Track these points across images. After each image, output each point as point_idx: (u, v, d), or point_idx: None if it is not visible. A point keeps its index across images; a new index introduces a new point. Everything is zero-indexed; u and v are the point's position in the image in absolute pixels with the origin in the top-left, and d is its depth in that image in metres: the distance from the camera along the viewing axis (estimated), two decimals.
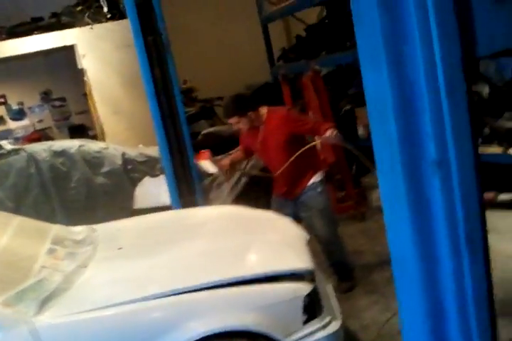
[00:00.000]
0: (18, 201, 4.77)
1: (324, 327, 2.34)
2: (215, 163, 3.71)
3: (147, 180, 5.13)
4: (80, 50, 6.20)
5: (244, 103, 3.51)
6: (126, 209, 5.06)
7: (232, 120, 3.47)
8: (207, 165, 3.71)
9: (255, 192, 5.08)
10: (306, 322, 2.31)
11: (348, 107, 5.87)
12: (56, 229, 3.05)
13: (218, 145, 7.24)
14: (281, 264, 2.40)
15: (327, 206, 3.63)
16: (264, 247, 2.60)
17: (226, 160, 3.77)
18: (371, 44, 1.36)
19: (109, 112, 6.62)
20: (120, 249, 2.69)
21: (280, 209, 3.61)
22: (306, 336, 2.28)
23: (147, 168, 5.19)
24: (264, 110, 3.52)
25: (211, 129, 7.58)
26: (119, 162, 5.18)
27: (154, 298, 2.17)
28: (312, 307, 2.35)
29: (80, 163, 5.07)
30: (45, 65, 7.70)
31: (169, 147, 4.36)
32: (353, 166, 5.34)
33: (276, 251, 2.55)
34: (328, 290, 2.73)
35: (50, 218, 4.79)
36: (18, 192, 4.80)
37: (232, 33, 7.82)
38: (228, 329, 2.16)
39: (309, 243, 2.79)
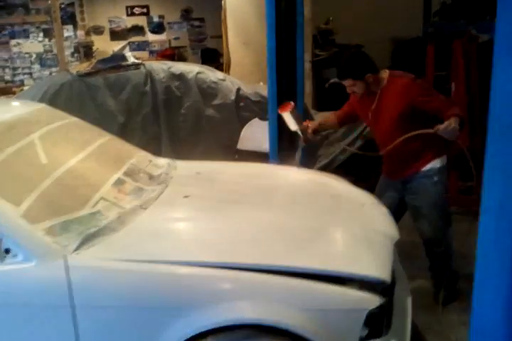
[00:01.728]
0: (128, 116, 4.76)
1: None
2: (298, 119, 3.24)
3: (256, 122, 4.89)
4: None
5: (362, 63, 2.96)
6: (229, 147, 4.89)
7: (347, 82, 2.96)
8: (288, 119, 3.24)
9: (365, 165, 4.66)
10: (365, 339, 1.96)
11: None
12: (138, 158, 2.91)
13: (343, 99, 6.81)
14: (352, 266, 2.02)
15: (440, 200, 3.05)
16: (342, 239, 2.22)
17: (315, 122, 3.30)
18: None
19: (239, 42, 6.35)
20: (186, 197, 2.46)
21: (385, 190, 3.17)
22: None
23: (259, 108, 4.93)
24: (385, 74, 2.96)
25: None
26: (233, 97, 4.97)
27: (199, 266, 1.93)
28: (378, 324, 1.98)
29: (194, 91, 4.93)
30: None
31: (278, 92, 4.05)
32: None
33: (354, 248, 2.17)
34: (406, 305, 2.33)
35: (155, 140, 4.79)
36: (130, 108, 4.78)
37: None
38: (267, 322, 1.88)
39: (397, 245, 2.38)
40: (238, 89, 5.03)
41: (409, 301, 2.40)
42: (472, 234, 4.11)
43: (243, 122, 4.96)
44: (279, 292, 1.93)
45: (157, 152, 4.75)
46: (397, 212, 3.15)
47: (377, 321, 1.99)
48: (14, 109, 2.83)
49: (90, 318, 1.90)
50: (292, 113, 3.21)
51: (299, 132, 3.23)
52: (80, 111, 4.60)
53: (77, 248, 1.95)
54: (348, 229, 2.31)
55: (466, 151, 2.78)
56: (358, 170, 4.71)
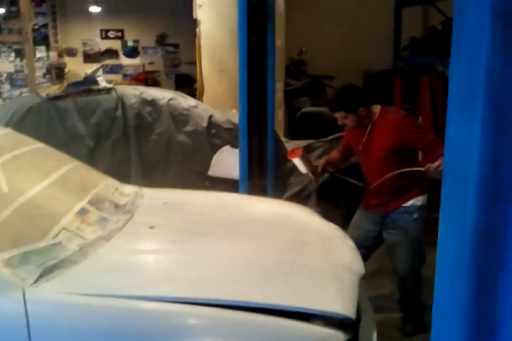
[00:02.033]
0: (97, 141, 4.71)
1: None
2: (307, 162, 3.33)
3: (227, 149, 4.88)
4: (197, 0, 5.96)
5: (356, 97, 3.01)
6: (200, 174, 4.87)
7: (339, 114, 3.00)
8: (298, 163, 3.33)
9: (336, 196, 4.68)
10: None
11: None
12: (104, 186, 2.85)
13: (316, 128, 6.87)
14: (317, 302, 1.98)
15: (418, 237, 3.09)
16: (308, 274, 2.18)
17: (321, 161, 3.35)
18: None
19: (213, 69, 6.39)
20: (151, 227, 2.42)
21: (363, 223, 3.19)
22: None
23: (231, 136, 4.93)
24: (377, 109, 3.02)
25: (312, 108, 7.19)
26: (204, 124, 4.97)
27: (159, 301, 1.88)
28: None
29: (166, 117, 4.92)
30: (166, 7, 7.58)
31: (249, 121, 4.07)
32: None
33: (319, 284, 2.13)
34: (372, 339, 2.32)
35: (124, 165, 4.74)
36: (100, 132, 4.73)
37: (361, 9, 7.22)
38: None
39: (361, 280, 2.38)
40: (210, 117, 5.03)
41: (374, 335, 2.38)
42: None
43: (214, 149, 4.95)
44: (244, 328, 1.89)
45: (127, 177, 4.72)
46: (372, 245, 3.17)
47: None
48: None
49: None
50: (302, 157, 3.30)
51: (310, 174, 3.35)
52: (48, 134, 4.55)
53: (36, 280, 1.88)
54: (315, 263, 2.28)
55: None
56: (328, 197, 4.73)
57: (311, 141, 5.58)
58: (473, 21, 0.94)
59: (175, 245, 2.27)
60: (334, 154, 3.45)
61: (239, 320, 1.89)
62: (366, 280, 2.54)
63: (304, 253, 2.38)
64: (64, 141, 4.58)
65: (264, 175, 4.09)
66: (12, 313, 1.82)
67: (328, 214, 3.11)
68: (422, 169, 2.75)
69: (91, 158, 4.63)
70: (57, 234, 2.16)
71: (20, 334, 1.79)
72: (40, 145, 2.94)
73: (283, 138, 5.82)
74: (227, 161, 4.82)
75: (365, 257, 3.07)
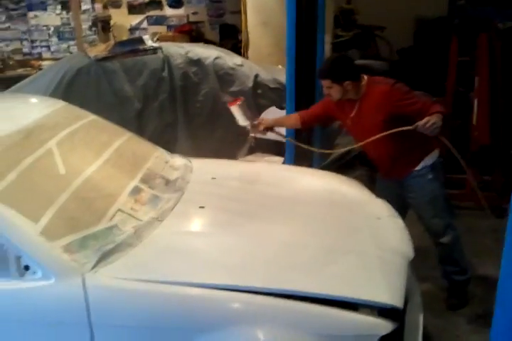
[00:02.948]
0: (145, 102, 4.75)
1: None
2: (248, 114, 3.20)
3: (272, 110, 4.84)
4: None
5: (345, 68, 2.90)
6: (245, 135, 4.86)
7: (325, 82, 2.91)
8: (236, 113, 3.21)
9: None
10: None
11: None
12: (154, 159, 2.90)
13: None
14: (365, 291, 2.02)
15: (439, 195, 3.04)
16: (357, 261, 2.21)
17: (269, 120, 3.25)
18: None
19: (258, 21, 6.23)
20: (202, 207, 2.47)
21: (384, 190, 3.15)
22: None
23: (277, 96, 4.88)
24: (364, 80, 2.91)
25: (362, 61, 6.95)
26: (250, 84, 4.92)
27: (213, 288, 1.95)
28: None
29: (212, 77, 4.89)
30: None
31: (296, 81, 3.94)
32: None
33: (368, 271, 2.15)
34: (418, 321, 2.35)
35: (171, 127, 4.79)
36: (147, 94, 4.76)
37: None
38: None
39: (411, 263, 2.39)
40: (256, 76, 4.97)
41: (420, 318, 2.42)
42: (489, 232, 4.09)
43: (260, 110, 4.91)
44: (292, 316, 1.95)
45: (173, 139, 4.79)
46: (400, 210, 3.15)
47: None
48: (32, 110, 2.81)
49: (107, 337, 1.95)
50: (241, 107, 3.17)
51: (248, 127, 3.23)
52: (97, 97, 4.61)
53: (95, 265, 1.98)
54: (364, 249, 2.30)
55: (451, 147, 2.80)
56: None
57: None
58: None
59: (224, 228, 2.32)
60: (289, 118, 3.36)
61: (287, 308, 1.95)
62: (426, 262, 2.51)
63: (352, 236, 2.39)
64: (112, 103, 4.64)
65: (311, 138, 4.04)
66: (73, 298, 1.92)
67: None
68: (410, 128, 2.69)
69: (139, 121, 4.71)
70: (113, 216, 2.24)
71: (81, 319, 1.90)
72: (91, 117, 2.98)
73: None
74: None
75: None
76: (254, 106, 4.93)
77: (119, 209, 2.29)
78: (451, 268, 3.22)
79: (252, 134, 3.43)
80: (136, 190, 2.49)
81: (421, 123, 2.66)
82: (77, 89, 4.58)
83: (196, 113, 4.84)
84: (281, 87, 4.79)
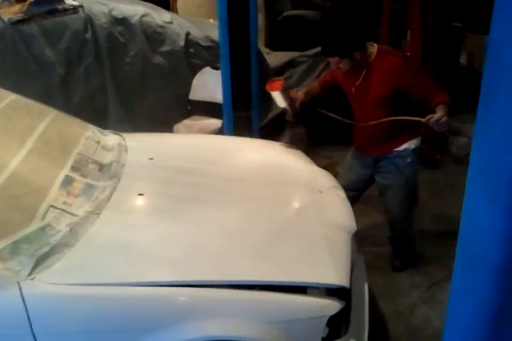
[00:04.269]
0: (69, 67, 4.42)
1: None
2: (287, 95, 3.08)
3: (207, 71, 4.67)
4: None
5: (352, 40, 2.75)
6: (180, 97, 4.70)
7: (333, 60, 2.79)
8: (277, 97, 3.08)
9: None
10: (325, 340, 2.01)
11: (457, 25, 4.95)
12: (85, 140, 2.73)
13: (299, 33, 6.51)
14: (312, 274, 2.02)
15: (412, 180, 3.06)
16: (301, 243, 2.18)
17: (300, 93, 3.14)
18: None
19: None
20: (141, 195, 2.36)
21: (354, 164, 3.14)
22: None
23: (210, 55, 4.68)
24: (373, 49, 2.79)
25: (295, 12, 6.79)
26: (182, 43, 4.68)
27: (159, 286, 1.88)
28: (337, 325, 2.04)
29: (140, 37, 4.61)
30: None
31: (230, 36, 3.78)
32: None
33: (313, 253, 2.15)
34: (364, 292, 2.39)
35: (100, 92, 4.53)
36: (71, 58, 4.43)
37: None
38: (232, 338, 1.90)
39: (354, 237, 2.40)
40: (187, 34, 4.72)
41: (366, 287, 2.46)
42: (424, 184, 4.20)
43: (194, 70, 4.72)
44: (241, 306, 1.94)
45: (104, 106, 4.55)
46: (363, 188, 3.17)
47: (337, 322, 2.05)
48: None
49: None
50: (282, 91, 3.03)
51: (288, 108, 3.10)
52: (15, 64, 4.27)
53: (31, 272, 1.86)
54: (308, 229, 2.29)
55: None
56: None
57: (295, 55, 5.33)
58: None
59: (166, 218, 2.23)
60: (313, 86, 3.27)
61: (238, 298, 1.93)
62: (358, 217, 2.58)
63: (297, 216, 2.37)
64: (33, 70, 4.31)
65: (249, 104, 3.93)
66: (11, 309, 1.81)
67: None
68: (422, 120, 2.63)
69: (64, 88, 4.42)
70: (44, 214, 2.10)
71: (22, 330, 1.80)
72: (10, 98, 2.74)
73: (264, 50, 5.56)
74: (209, 84, 4.64)
75: (355, 199, 3.09)
76: (187, 67, 4.74)
77: (51, 206, 2.15)
78: (399, 238, 3.32)
79: (290, 116, 3.23)
80: (68, 181, 2.34)
81: (434, 118, 2.56)
82: None
83: (126, 76, 4.58)
84: (215, 45, 4.58)
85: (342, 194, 2.68)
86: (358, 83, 2.87)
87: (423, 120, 2.62)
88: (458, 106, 4.85)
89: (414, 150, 2.98)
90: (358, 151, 3.15)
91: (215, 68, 4.47)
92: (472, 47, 4.76)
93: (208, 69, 4.65)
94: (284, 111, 4.54)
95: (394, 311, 2.95)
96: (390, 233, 3.31)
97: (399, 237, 3.30)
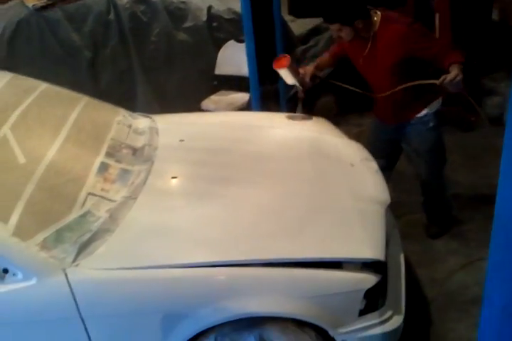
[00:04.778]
0: (95, 50, 4.49)
1: (382, 323, 2.07)
2: (295, 71, 2.99)
3: (232, 44, 4.64)
4: None
5: (354, 7, 2.66)
6: (206, 73, 4.69)
7: (333, 27, 2.73)
8: (285, 75, 3.00)
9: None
10: (363, 312, 2.05)
11: None
12: (116, 125, 2.78)
13: None
14: (347, 249, 2.05)
15: (437, 144, 3.01)
16: (336, 218, 2.20)
17: (309, 68, 3.05)
18: None
19: None
20: (174, 178, 2.41)
21: (377, 134, 3.11)
22: (359, 330, 2.03)
23: (234, 28, 4.65)
24: (377, 17, 2.70)
25: None
26: (204, 18, 4.68)
27: (200, 266, 1.94)
28: (374, 296, 2.07)
29: (162, 15, 4.61)
30: None
31: (252, 7, 3.75)
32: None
33: (348, 228, 2.16)
34: (399, 262, 2.40)
35: (127, 73, 4.57)
36: (96, 41, 4.49)
37: None
38: (270, 314, 1.97)
39: (388, 209, 2.41)
40: (209, 8, 4.71)
41: (401, 258, 2.48)
42: (457, 148, 4.14)
43: (218, 45, 4.71)
44: (278, 284, 1.98)
45: (132, 87, 4.60)
46: (392, 155, 3.15)
47: (374, 294, 2.08)
48: None
49: (99, 327, 1.96)
50: (289, 67, 2.94)
51: (297, 84, 3.03)
52: (42, 50, 4.34)
53: (75, 259, 1.94)
54: (342, 203, 2.30)
55: (474, 103, 2.76)
56: None
57: (319, 22, 5.21)
58: None
59: (200, 199, 2.27)
60: (324, 59, 3.16)
61: (277, 276, 1.98)
62: (391, 185, 2.56)
63: (330, 191, 2.38)
64: (60, 55, 4.39)
65: (275, 77, 3.90)
66: (59, 296, 1.89)
67: None
68: (436, 82, 2.56)
69: (91, 71, 4.48)
70: (84, 202, 2.17)
71: (71, 314, 1.90)
72: (42, 87, 2.80)
73: (288, 18, 5.46)
74: (234, 58, 4.61)
75: (388, 168, 3.07)
76: (212, 42, 4.72)
77: (89, 193, 2.22)
78: (433, 203, 3.30)
79: (302, 93, 3.19)
80: (104, 167, 2.40)
81: (448, 78, 2.49)
82: (20, 44, 4.28)
83: (151, 55, 4.61)
84: (238, 18, 4.55)
85: (374, 165, 2.67)
86: (365, 53, 2.80)
87: (437, 82, 2.55)
88: (491, 64, 4.71)
89: (435, 114, 2.91)
90: (379, 121, 3.12)
91: (240, 41, 4.44)
92: (504, 3, 4.57)
93: (232, 43, 4.62)
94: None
95: (431, 278, 2.96)
96: (423, 198, 3.29)
97: (432, 202, 3.27)
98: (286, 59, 2.95)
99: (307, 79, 3.00)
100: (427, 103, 2.88)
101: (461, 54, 2.60)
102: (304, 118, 3.10)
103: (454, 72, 2.50)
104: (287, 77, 2.99)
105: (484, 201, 3.11)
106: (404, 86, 2.70)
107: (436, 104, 2.91)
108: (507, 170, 1.34)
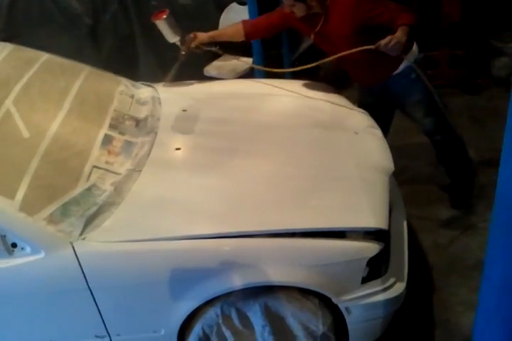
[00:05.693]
0: (95, 17, 4.42)
1: (385, 290, 2.11)
2: (176, 28, 2.93)
3: (234, 7, 4.55)
4: None
5: None
6: None
7: (287, 2, 2.69)
8: (163, 28, 2.93)
9: None
10: (365, 280, 2.09)
11: None
12: (119, 95, 2.77)
13: None
14: (350, 219, 2.07)
15: (426, 93, 2.91)
16: (339, 187, 2.22)
17: (202, 34, 3.02)
18: None
19: None
20: (178, 149, 2.42)
21: (366, 98, 3.08)
22: (362, 297, 2.08)
23: None
24: None
25: None
26: None
27: (205, 238, 1.97)
28: (377, 264, 2.11)
29: None
30: None
31: None
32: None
33: (351, 197, 2.18)
34: (402, 229, 2.43)
35: (128, 39, 4.52)
36: (96, 7, 4.42)
37: None
38: (274, 284, 2.01)
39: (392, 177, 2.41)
40: None
41: (404, 226, 2.51)
42: (463, 110, 4.07)
43: (221, 8, 4.61)
44: (284, 253, 2.02)
45: (134, 54, 4.55)
46: (384, 118, 3.10)
47: (377, 262, 2.12)
48: None
49: (107, 297, 2.01)
50: (168, 20, 2.88)
51: (178, 43, 2.98)
52: (43, 19, 4.28)
53: (82, 232, 1.98)
54: (346, 172, 2.31)
55: (416, 68, 2.75)
56: None
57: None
58: None
59: (205, 171, 2.28)
60: (229, 31, 3.13)
61: (281, 246, 2.01)
62: (394, 151, 2.57)
63: (334, 160, 2.39)
64: (61, 23, 4.33)
65: (279, 41, 3.85)
66: (68, 267, 1.94)
67: None
68: (372, 47, 2.55)
69: (93, 38, 4.43)
70: (89, 175, 2.19)
71: (79, 285, 1.95)
72: (43, 58, 2.77)
73: None
74: (236, 21, 4.52)
75: (384, 130, 3.02)
76: (213, 5, 4.63)
77: (94, 166, 2.23)
78: (448, 165, 3.24)
79: (183, 52, 3.12)
80: (108, 140, 2.41)
81: (382, 42, 2.51)
82: (20, 13, 4.23)
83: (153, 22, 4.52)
84: None
85: (379, 133, 2.66)
86: (317, 29, 2.77)
87: (373, 47, 2.55)
88: (500, 24, 4.60)
89: (415, 63, 2.84)
90: (360, 85, 3.09)
91: (242, 4, 4.35)
92: None
93: (234, 6, 4.53)
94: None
95: (434, 243, 3.00)
96: (438, 157, 3.20)
97: (441, 151, 3.16)
98: (164, 12, 2.93)
99: (193, 44, 3.01)
100: (400, 59, 2.81)
101: (411, 16, 2.58)
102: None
103: (388, 38, 2.51)
104: (167, 32, 2.95)
105: (489, 164, 3.11)
106: (342, 53, 2.68)
107: (411, 56, 2.85)
108: (510, 139, 1.31)
